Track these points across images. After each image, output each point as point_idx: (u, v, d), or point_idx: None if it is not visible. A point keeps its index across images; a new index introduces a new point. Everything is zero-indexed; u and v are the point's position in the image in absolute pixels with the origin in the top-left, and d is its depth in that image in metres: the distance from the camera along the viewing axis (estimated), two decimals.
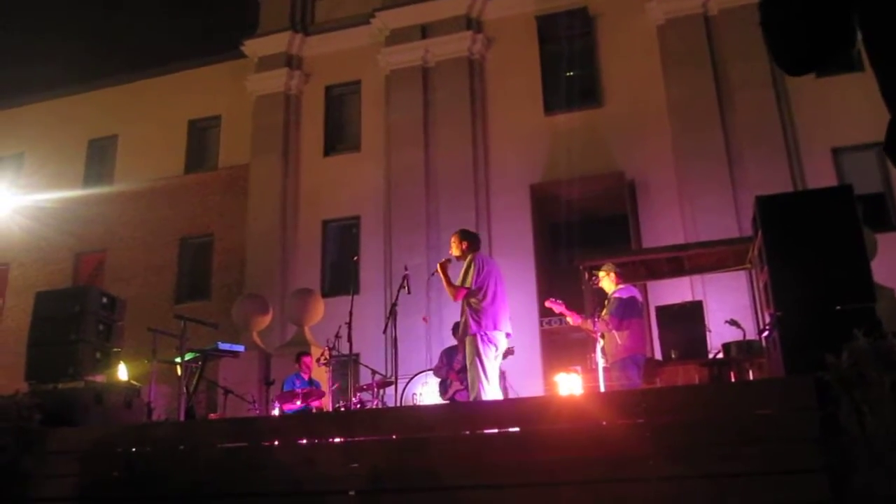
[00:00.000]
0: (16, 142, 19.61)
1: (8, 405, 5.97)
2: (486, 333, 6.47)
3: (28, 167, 19.30)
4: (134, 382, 7.64)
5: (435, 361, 9.46)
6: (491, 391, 6.38)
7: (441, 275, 6.75)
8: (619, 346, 7.20)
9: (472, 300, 6.54)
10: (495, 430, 5.06)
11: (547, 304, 7.64)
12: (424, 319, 9.72)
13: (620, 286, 7.51)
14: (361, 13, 17.05)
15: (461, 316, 6.68)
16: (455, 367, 9.07)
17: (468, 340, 6.51)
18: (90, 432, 6.04)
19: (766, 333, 6.19)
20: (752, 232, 6.13)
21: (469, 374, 6.50)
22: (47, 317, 6.96)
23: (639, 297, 7.65)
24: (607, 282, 7.61)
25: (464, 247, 6.87)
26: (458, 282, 6.66)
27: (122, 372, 7.64)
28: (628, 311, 7.27)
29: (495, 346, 6.53)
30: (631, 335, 7.22)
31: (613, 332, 7.21)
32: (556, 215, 14.81)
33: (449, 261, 6.90)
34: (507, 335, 6.69)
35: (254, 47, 17.72)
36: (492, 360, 6.47)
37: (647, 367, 7.63)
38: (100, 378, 6.98)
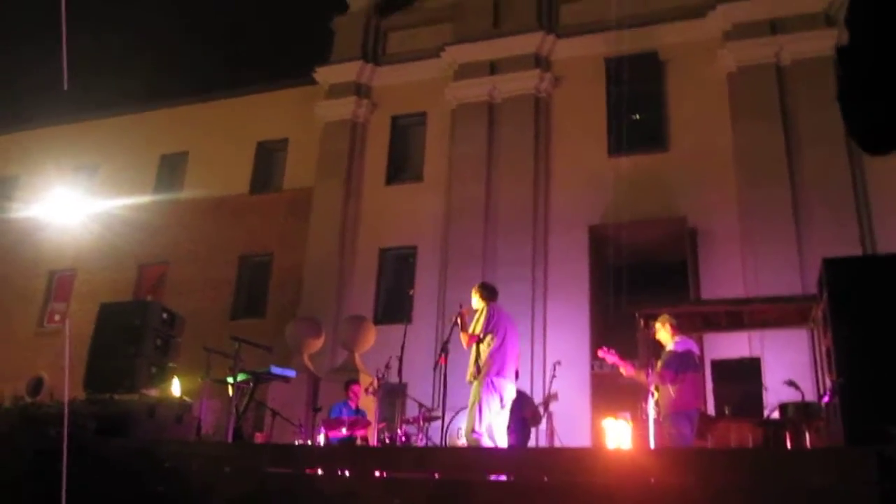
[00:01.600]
0: (92, 152, 20.29)
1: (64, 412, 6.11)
2: (491, 380, 6.71)
3: (102, 177, 19.93)
4: (186, 398, 7.77)
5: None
6: (484, 438, 6.59)
7: (459, 323, 7.02)
8: (672, 399, 7.05)
9: (481, 346, 6.81)
10: (541, 479, 4.99)
11: (600, 353, 7.54)
12: (558, 364, 9.82)
13: (677, 338, 7.37)
14: (432, 46, 17.27)
15: (470, 360, 6.88)
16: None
17: (474, 385, 6.73)
18: (141, 444, 6.15)
19: (826, 399, 6.00)
20: (818, 292, 5.97)
21: (468, 416, 6.72)
22: (109, 328, 7.15)
23: (695, 350, 7.49)
24: (664, 333, 7.48)
25: (480, 297, 7.23)
26: (471, 329, 6.98)
27: (176, 387, 7.77)
28: (684, 365, 7.12)
29: (499, 394, 6.76)
30: (685, 389, 7.07)
31: (668, 385, 7.06)
32: (614, 258, 14.64)
33: (469, 311, 7.17)
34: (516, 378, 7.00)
35: (325, 74, 18.07)
36: (493, 408, 6.71)
37: (700, 422, 7.44)
38: (154, 392, 7.12)
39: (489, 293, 7.26)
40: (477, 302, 7.18)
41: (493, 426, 6.69)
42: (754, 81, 14.41)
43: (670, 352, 7.29)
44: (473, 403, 6.63)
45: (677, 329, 7.52)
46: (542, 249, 14.85)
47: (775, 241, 13.15)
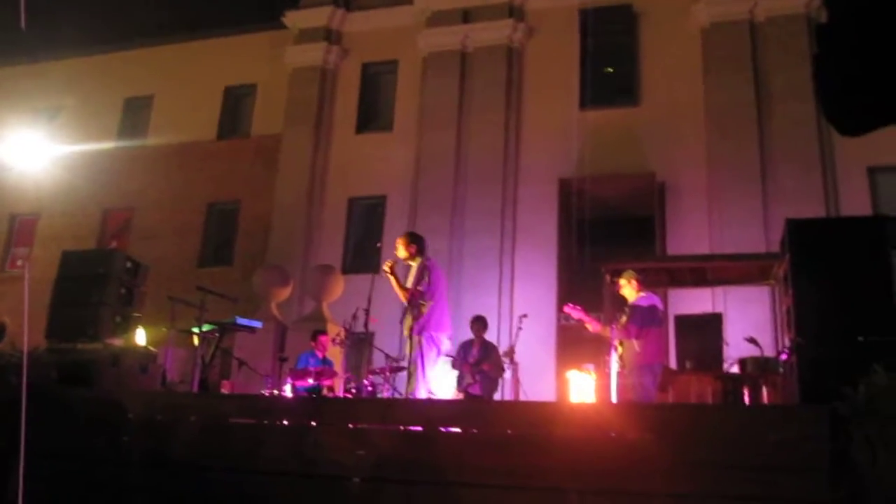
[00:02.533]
0: (52, 95, 19.73)
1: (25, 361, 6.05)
2: (431, 335, 6.81)
3: (63, 120, 19.44)
4: (151, 348, 7.74)
5: (454, 348, 9.55)
6: (424, 390, 6.71)
7: (390, 277, 6.95)
8: (636, 353, 7.18)
9: (421, 303, 6.82)
10: (505, 431, 5.07)
11: (565, 309, 7.62)
12: (524, 317, 9.81)
13: (642, 294, 7.46)
14: None
15: (407, 315, 6.91)
16: (469, 360, 9.11)
17: (413, 340, 6.79)
18: (105, 394, 6.13)
19: (784, 356, 6.13)
20: (780, 252, 6.06)
21: (409, 370, 6.80)
22: (72, 276, 7.05)
23: (659, 305, 7.60)
24: (628, 289, 7.57)
25: (412, 250, 7.16)
26: (410, 284, 6.98)
27: (140, 337, 7.73)
28: (647, 320, 7.23)
29: (438, 347, 6.88)
30: (649, 343, 7.19)
31: (632, 339, 7.17)
32: (583, 211, 14.67)
33: (395, 263, 7.09)
34: (449, 337, 7.07)
35: (294, 19, 17.69)
36: (433, 361, 6.83)
37: (662, 375, 7.59)
38: (118, 341, 7.07)
39: (422, 245, 7.22)
40: (405, 253, 7.11)
41: (432, 379, 6.81)
42: (727, 37, 14.39)
43: (635, 307, 7.38)
44: (414, 358, 6.69)
45: (642, 284, 7.61)
46: (511, 201, 14.87)
47: (741, 198, 13.28)
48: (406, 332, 6.87)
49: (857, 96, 1.50)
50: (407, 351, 6.84)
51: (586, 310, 7.60)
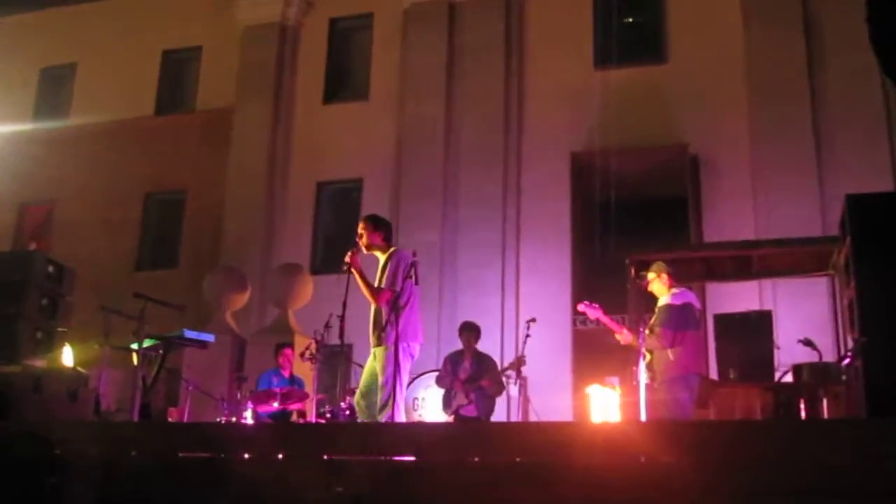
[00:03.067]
0: None
1: None
2: (409, 344, 6.66)
3: None
4: (81, 369, 7.71)
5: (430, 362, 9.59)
6: (404, 412, 6.71)
7: (354, 273, 6.74)
8: (669, 362, 7.18)
9: (400, 305, 6.64)
10: (513, 460, 5.07)
11: (580, 307, 7.62)
12: (532, 321, 9.81)
13: (675, 290, 7.47)
14: None
15: (375, 321, 6.76)
16: (461, 376, 9.12)
17: (386, 351, 6.57)
18: (26, 426, 6.11)
19: (846, 361, 6.16)
20: (840, 235, 6.08)
21: (385, 390, 6.55)
22: None
23: (696, 303, 7.61)
24: (658, 284, 7.57)
25: (379, 238, 6.98)
26: (381, 283, 6.78)
27: (68, 356, 7.71)
28: (682, 322, 7.23)
29: (413, 358, 6.79)
30: (684, 350, 7.19)
31: (664, 346, 7.18)
32: (601, 192, 14.71)
33: (357, 251, 6.90)
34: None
35: None
36: (406, 376, 6.76)
37: (700, 388, 7.61)
38: (40, 362, 7.04)
39: (390, 232, 7.10)
40: (367, 241, 6.94)
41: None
42: None
43: (666, 306, 7.38)
44: (390, 374, 6.50)
45: (674, 279, 7.62)
46: (514, 182, 14.90)
47: (792, 173, 13.32)
48: (376, 342, 6.71)
49: None
50: (377, 366, 6.67)
51: (606, 310, 7.61)
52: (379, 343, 6.68)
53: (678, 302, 7.39)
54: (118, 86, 18.20)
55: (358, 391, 6.90)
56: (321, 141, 16.48)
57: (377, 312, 6.79)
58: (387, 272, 6.81)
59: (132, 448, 5.76)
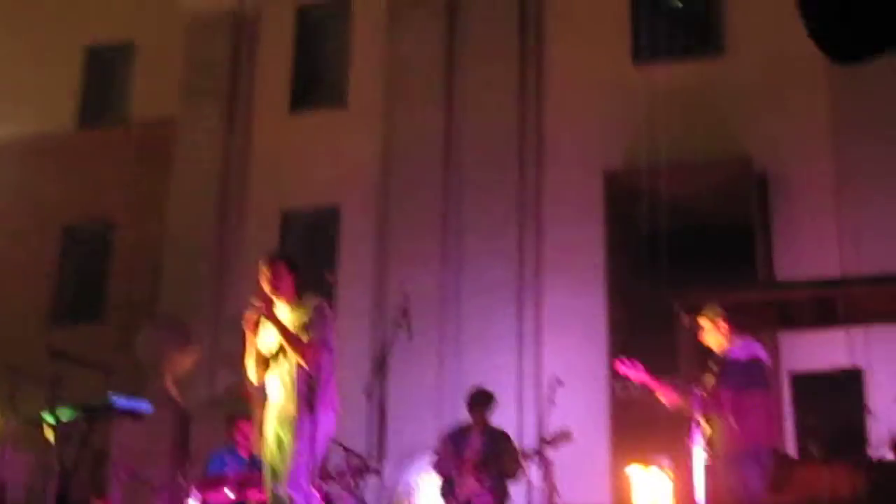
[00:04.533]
0: None
1: None
2: (332, 414, 6.80)
3: None
4: None
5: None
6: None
7: (277, 325, 6.77)
8: (733, 432, 7.15)
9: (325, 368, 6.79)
10: None
11: (617, 367, 7.60)
12: (558, 384, 9.78)
13: (737, 341, 7.46)
14: None
15: (294, 384, 6.75)
16: (468, 456, 9.06)
17: (297, 421, 6.64)
18: None
19: None
20: None
21: (291, 462, 6.61)
22: None
23: (765, 357, 7.59)
24: (714, 335, 7.56)
25: (289, 284, 6.99)
26: (310, 337, 6.77)
27: None
28: (749, 381, 7.24)
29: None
30: (752, 417, 7.19)
31: (726, 412, 7.15)
32: (644, 220, 14.72)
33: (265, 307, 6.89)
34: None
35: None
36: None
37: (775, 466, 7.58)
38: None
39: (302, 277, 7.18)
40: (277, 290, 6.92)
41: None
42: None
43: (728, 361, 7.37)
44: (301, 448, 6.58)
45: (736, 327, 7.59)
46: (532, 207, 14.91)
47: (889, 195, 13.32)
48: (294, 412, 6.70)
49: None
50: (286, 438, 6.69)
51: (652, 370, 7.59)
52: (295, 413, 6.69)
53: (743, 356, 7.38)
54: (29, 91, 18.25)
55: (268, 474, 6.81)
56: (287, 159, 16.49)
57: (295, 374, 6.77)
58: (311, 326, 6.82)
59: None
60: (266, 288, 6.91)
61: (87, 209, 17.66)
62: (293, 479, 6.54)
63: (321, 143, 16.33)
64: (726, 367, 7.35)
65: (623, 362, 7.56)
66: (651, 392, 7.59)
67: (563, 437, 9.53)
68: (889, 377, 11.11)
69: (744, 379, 7.26)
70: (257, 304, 6.77)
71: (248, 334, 6.79)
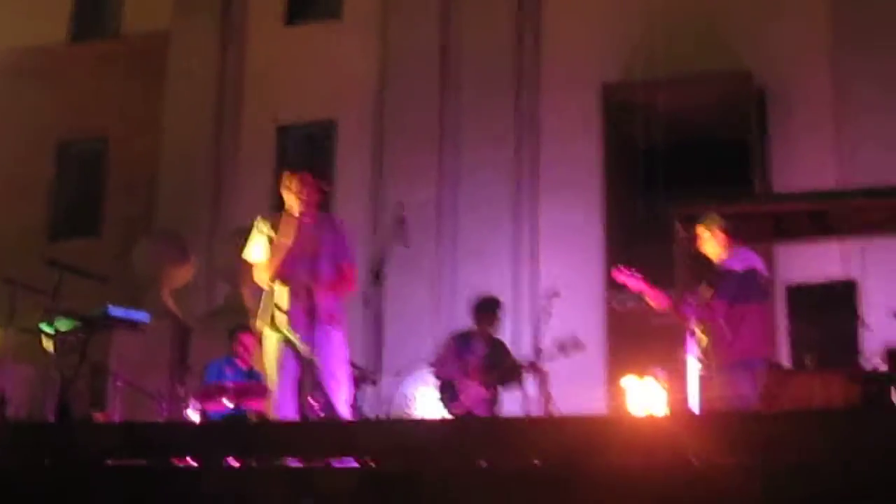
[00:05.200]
0: None
1: None
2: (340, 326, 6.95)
3: None
4: None
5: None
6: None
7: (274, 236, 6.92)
8: (728, 343, 7.18)
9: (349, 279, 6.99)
10: (530, 462, 5.09)
11: (615, 275, 7.63)
12: (554, 296, 9.78)
13: (734, 251, 7.47)
14: None
15: (310, 294, 6.77)
16: (472, 361, 9.09)
17: (337, 337, 6.86)
18: None
19: None
20: None
21: (333, 386, 6.84)
22: None
23: (762, 268, 7.60)
24: (712, 244, 7.56)
25: (316, 197, 7.07)
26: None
27: None
28: (745, 291, 7.24)
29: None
30: (747, 327, 7.20)
31: (721, 322, 7.17)
32: (641, 133, 14.68)
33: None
34: None
35: None
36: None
37: (769, 376, 7.63)
38: None
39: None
40: (301, 200, 6.98)
41: None
42: None
43: (724, 272, 7.39)
44: (342, 365, 6.89)
45: (733, 237, 7.60)
46: (529, 122, 14.91)
47: (886, 108, 13.28)
48: (317, 326, 6.77)
49: None
50: (305, 350, 6.77)
51: (647, 279, 7.61)
52: (325, 327, 6.78)
53: (740, 266, 7.38)
54: (20, 5, 18.10)
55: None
56: (282, 73, 16.43)
57: (307, 285, 6.79)
58: (329, 238, 6.94)
59: (45, 455, 5.77)
60: (298, 195, 6.95)
61: (82, 124, 17.62)
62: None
63: (317, 56, 16.25)
64: (722, 277, 7.36)
65: (621, 270, 7.58)
66: (647, 302, 7.62)
67: (575, 345, 9.50)
68: (883, 289, 11.17)
69: (740, 290, 7.25)
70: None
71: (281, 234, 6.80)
